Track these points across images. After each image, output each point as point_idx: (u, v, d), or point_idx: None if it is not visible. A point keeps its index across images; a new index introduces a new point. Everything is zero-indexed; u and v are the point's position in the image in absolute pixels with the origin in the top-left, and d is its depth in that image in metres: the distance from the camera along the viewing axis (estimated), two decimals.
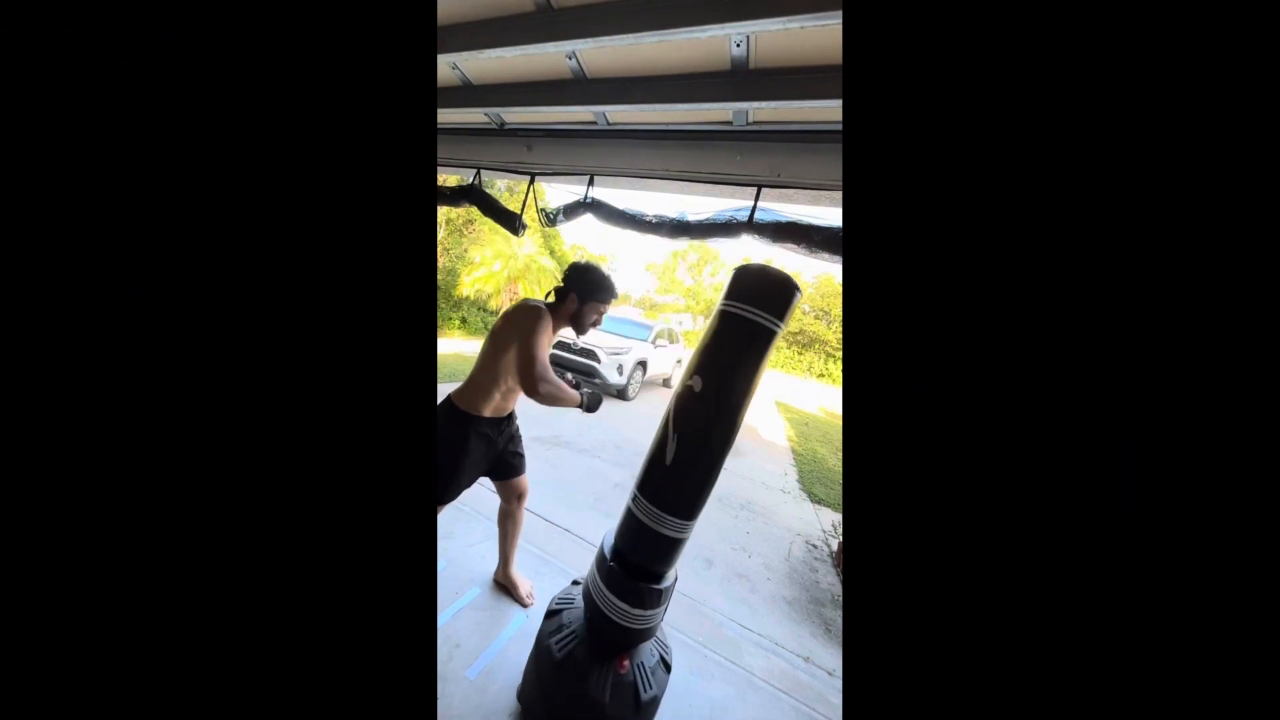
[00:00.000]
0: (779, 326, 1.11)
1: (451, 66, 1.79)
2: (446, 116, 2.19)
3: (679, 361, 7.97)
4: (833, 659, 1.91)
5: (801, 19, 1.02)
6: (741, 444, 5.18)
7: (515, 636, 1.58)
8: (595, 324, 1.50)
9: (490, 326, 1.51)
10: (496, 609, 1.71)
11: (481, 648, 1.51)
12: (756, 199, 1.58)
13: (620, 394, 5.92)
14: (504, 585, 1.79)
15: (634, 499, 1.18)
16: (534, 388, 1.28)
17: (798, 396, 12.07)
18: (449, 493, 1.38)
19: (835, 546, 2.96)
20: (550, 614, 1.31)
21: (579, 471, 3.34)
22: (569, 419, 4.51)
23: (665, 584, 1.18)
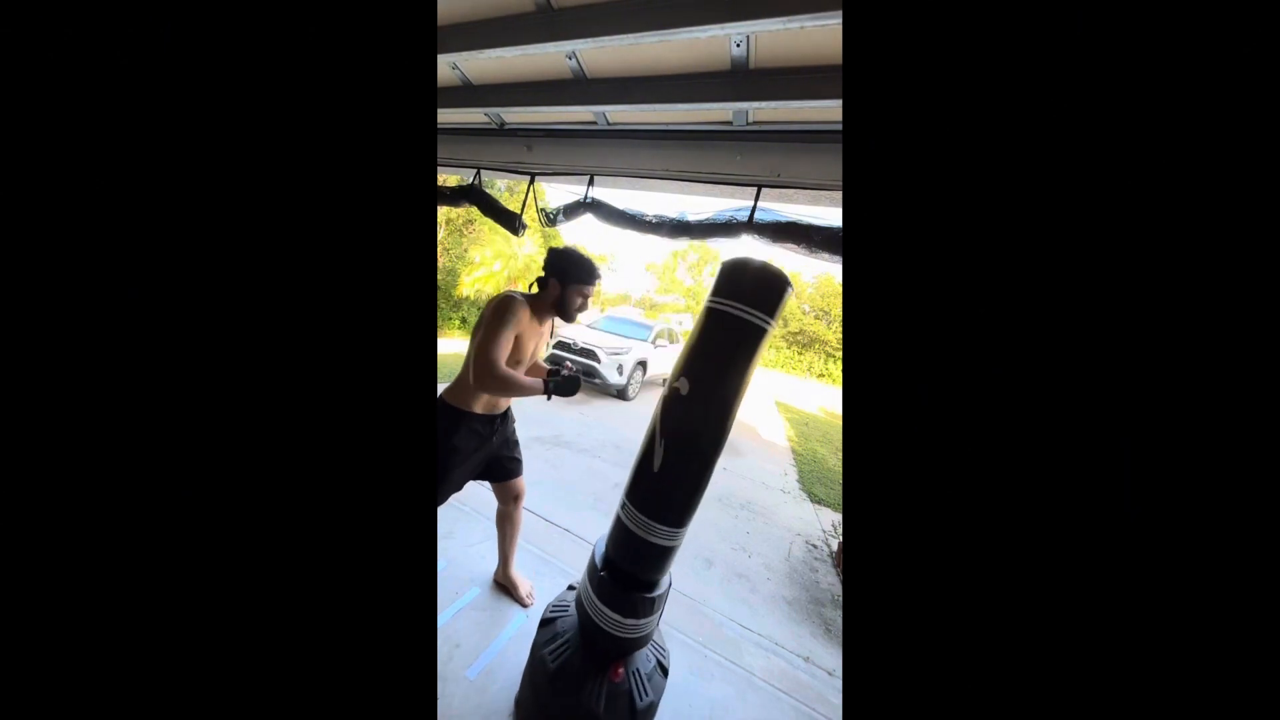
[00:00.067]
0: (770, 324, 1.06)
1: (451, 66, 1.79)
2: (446, 116, 2.19)
3: None
4: (833, 659, 1.91)
5: (801, 19, 1.02)
6: (741, 444, 5.18)
7: (515, 636, 1.58)
8: (582, 308, 1.43)
9: None
10: (496, 609, 1.71)
11: (481, 648, 1.51)
12: (756, 199, 1.59)
13: (620, 394, 5.93)
14: (504, 585, 1.79)
15: (623, 506, 1.15)
16: (479, 378, 1.24)
17: (798, 396, 12.07)
18: (441, 492, 1.37)
19: (835, 546, 2.96)
20: (545, 622, 1.28)
21: (579, 471, 3.34)
22: (569, 419, 4.51)
23: (658, 591, 1.15)
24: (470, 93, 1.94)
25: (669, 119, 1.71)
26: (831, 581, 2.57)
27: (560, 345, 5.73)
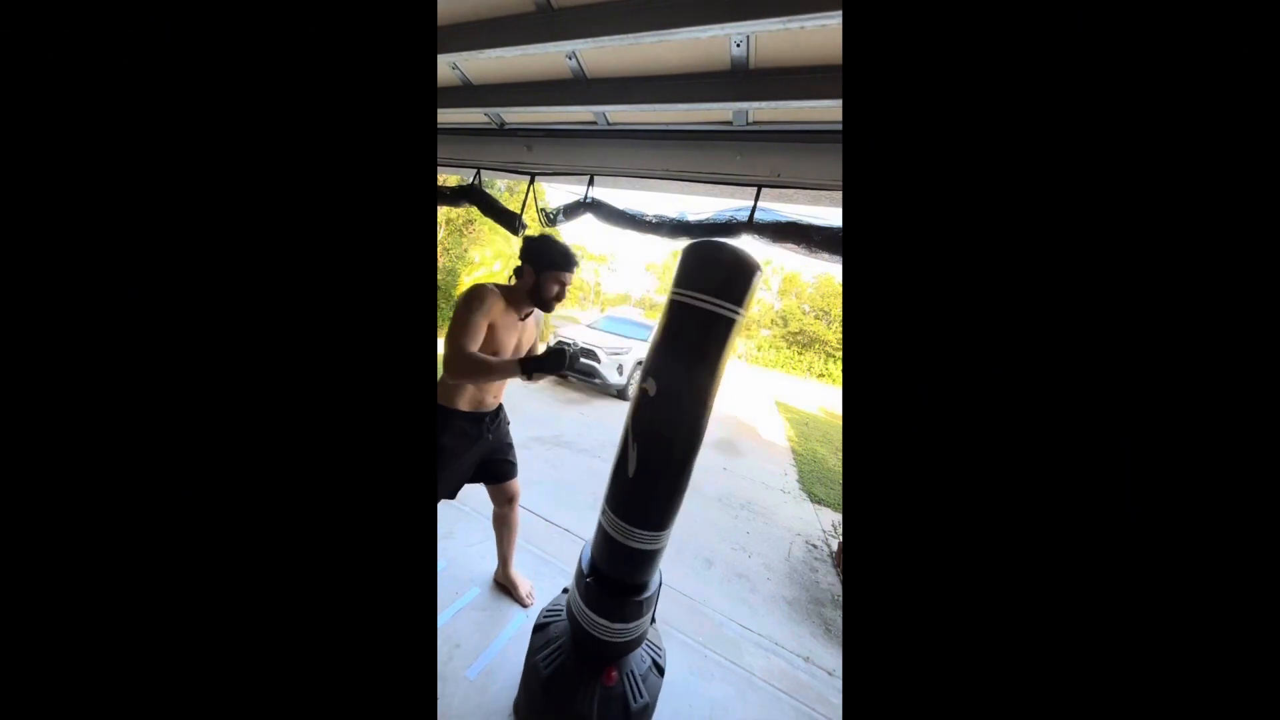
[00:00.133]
0: (739, 313, 0.97)
1: (451, 66, 1.79)
2: (446, 116, 2.20)
3: None
4: (833, 659, 1.91)
5: (801, 19, 1.02)
6: (741, 444, 5.19)
7: (515, 636, 1.58)
8: (559, 296, 1.36)
9: None
10: (496, 609, 1.71)
11: (481, 648, 1.51)
12: (756, 199, 1.59)
13: (620, 394, 5.93)
14: (504, 585, 1.80)
15: (603, 513, 1.12)
16: (448, 365, 1.20)
17: (798, 396, 12.07)
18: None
19: (835, 546, 2.96)
20: (539, 628, 1.27)
21: (579, 471, 3.34)
22: (569, 419, 4.51)
23: (647, 594, 1.13)
24: (470, 93, 1.94)
25: (669, 119, 1.71)
26: (831, 581, 2.57)
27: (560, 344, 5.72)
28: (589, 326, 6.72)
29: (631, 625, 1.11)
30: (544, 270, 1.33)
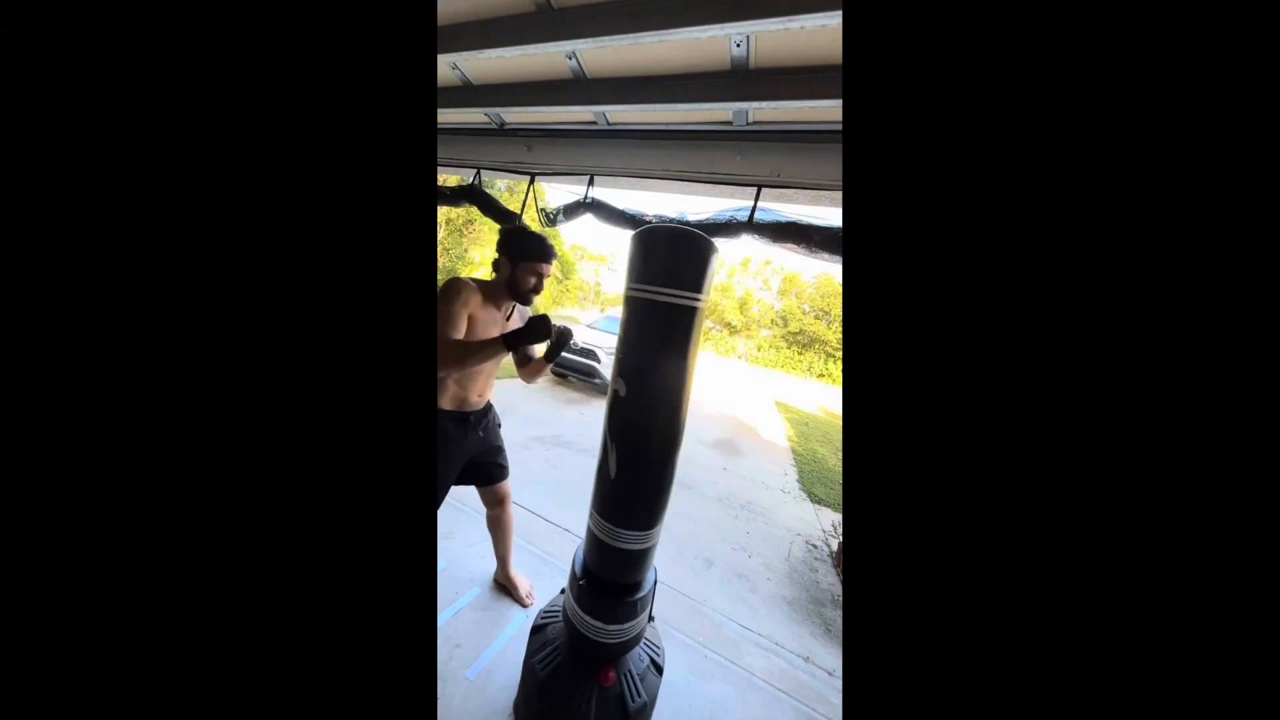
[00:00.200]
0: (698, 300, 0.94)
1: (451, 66, 1.79)
2: (446, 116, 2.20)
3: None
4: (833, 659, 1.91)
5: (801, 19, 1.02)
6: (741, 444, 5.18)
7: (515, 636, 1.58)
8: (536, 289, 1.31)
9: None
10: (496, 609, 1.70)
11: (481, 648, 1.51)
12: (756, 199, 1.59)
13: None
14: (503, 585, 1.79)
15: (590, 516, 1.12)
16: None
17: (798, 396, 12.07)
18: None
19: (835, 546, 2.96)
20: (535, 630, 1.26)
21: (579, 471, 3.34)
22: (569, 419, 4.51)
23: (641, 594, 1.12)
24: (470, 93, 1.94)
25: (669, 119, 1.71)
26: (831, 581, 2.57)
27: None
28: (589, 326, 6.72)
29: (626, 626, 1.11)
30: (519, 261, 1.28)
